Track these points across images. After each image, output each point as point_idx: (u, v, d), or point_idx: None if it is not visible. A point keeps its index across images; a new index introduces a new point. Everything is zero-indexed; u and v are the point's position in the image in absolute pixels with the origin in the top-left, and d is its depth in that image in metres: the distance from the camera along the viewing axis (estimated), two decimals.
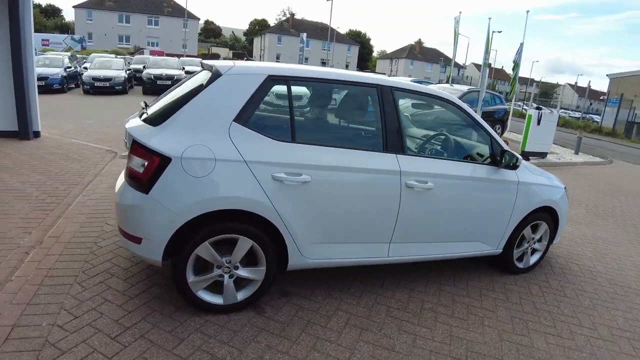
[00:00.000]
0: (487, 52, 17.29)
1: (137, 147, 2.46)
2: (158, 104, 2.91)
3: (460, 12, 17.58)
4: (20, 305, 2.50)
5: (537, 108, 12.19)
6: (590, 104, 60.06)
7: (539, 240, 4.06)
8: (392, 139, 3.02)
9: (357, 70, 55.90)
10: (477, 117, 3.54)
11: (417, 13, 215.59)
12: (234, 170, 2.50)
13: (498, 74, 67.40)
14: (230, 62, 2.77)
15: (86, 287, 2.81)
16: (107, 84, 15.14)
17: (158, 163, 2.38)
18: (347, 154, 2.86)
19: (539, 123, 12.01)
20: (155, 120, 2.57)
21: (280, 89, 2.87)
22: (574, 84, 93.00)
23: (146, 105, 3.02)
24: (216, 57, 49.12)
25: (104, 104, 12.99)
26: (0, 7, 6.61)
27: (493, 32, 17.41)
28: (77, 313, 2.51)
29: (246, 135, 2.57)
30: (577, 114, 42.31)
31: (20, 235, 3.40)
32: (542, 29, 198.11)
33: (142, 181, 2.43)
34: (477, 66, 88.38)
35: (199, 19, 60.59)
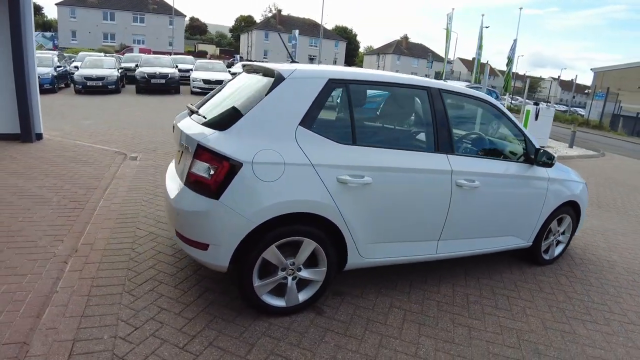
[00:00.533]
0: (480, 47, 17.45)
1: (203, 152, 2.42)
2: (214, 107, 2.87)
3: (453, 9, 17.67)
4: (75, 318, 2.40)
5: (535, 103, 12.36)
6: (574, 97, 61.12)
7: (563, 233, 4.22)
8: (442, 140, 3.10)
9: (344, 66, 55.95)
10: (513, 117, 3.64)
11: (400, 7, 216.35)
12: (302, 174, 2.51)
13: (483, 68, 67.92)
14: (290, 66, 2.78)
15: (137, 295, 2.73)
16: (100, 84, 14.77)
17: (229, 168, 2.35)
18: (404, 155, 2.94)
19: (536, 118, 12.18)
20: (220, 124, 2.52)
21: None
22: (557, 77, 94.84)
23: (196, 108, 2.99)
24: (203, 54, 48.53)
25: (98, 104, 12.69)
26: (0, 8, 6.38)
27: (482, 27, 17.54)
28: (136, 323, 2.43)
29: (311, 138, 2.58)
30: (563, 107, 42.98)
31: (52, 243, 3.28)
32: (523, 23, 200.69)
33: (210, 187, 2.39)
34: (464, 61, 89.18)
35: (185, 16, 59.73)
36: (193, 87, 16.45)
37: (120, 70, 16.46)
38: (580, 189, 4.11)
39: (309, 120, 2.59)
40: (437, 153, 3.07)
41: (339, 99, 3.04)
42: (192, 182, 2.49)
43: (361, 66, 65.41)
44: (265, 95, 2.55)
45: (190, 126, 2.73)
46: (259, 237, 2.46)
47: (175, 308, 2.65)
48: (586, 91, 44.43)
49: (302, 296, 2.74)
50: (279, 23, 65.76)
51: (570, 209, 4.08)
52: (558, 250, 4.21)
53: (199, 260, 2.55)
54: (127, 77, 17.76)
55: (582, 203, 4.14)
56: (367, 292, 3.15)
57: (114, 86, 15.11)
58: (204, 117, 2.74)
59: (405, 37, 78.57)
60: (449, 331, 2.80)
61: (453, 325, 2.87)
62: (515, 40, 16.24)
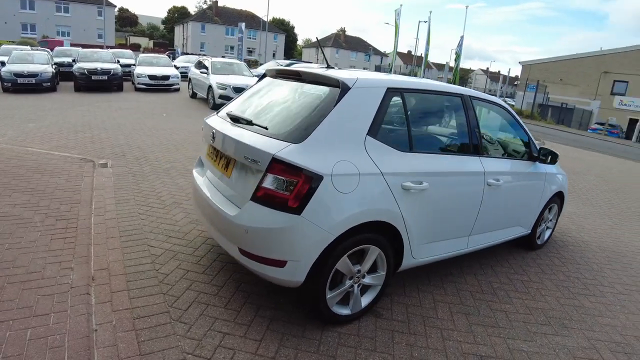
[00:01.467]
0: (428, 42, 18.06)
1: (280, 166, 2.32)
2: (266, 116, 2.78)
3: (401, 5, 18.10)
4: (133, 358, 2.10)
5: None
6: (501, 87, 65.60)
7: (551, 220, 4.72)
8: (475, 143, 3.39)
9: (284, 59, 55.54)
10: (519, 118, 4.03)
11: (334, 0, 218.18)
12: (375, 183, 2.55)
13: (419, 61, 70.56)
14: (350, 74, 2.76)
15: (189, 322, 2.48)
16: (33, 81, 13.20)
17: (311, 182, 2.30)
18: (450, 159, 3.21)
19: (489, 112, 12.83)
20: (293, 136, 2.42)
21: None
22: (485, 69, 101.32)
23: (247, 117, 2.82)
24: (136, 47, 45.57)
25: (35, 103, 11.41)
26: None
27: (430, 24, 18.22)
28: (206, 354, 2.21)
29: (378, 148, 2.62)
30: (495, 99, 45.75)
31: (60, 272, 2.85)
32: (453, 17, 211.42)
33: (290, 202, 2.30)
34: (400, 54, 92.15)
35: (115, 7, 55.60)
36: (138, 83, 15.28)
37: (54, 66, 14.91)
38: (564, 180, 4.65)
39: (375, 130, 2.62)
40: (473, 156, 3.33)
41: (396, 107, 3.03)
42: (264, 197, 2.37)
43: (300, 59, 65.29)
44: (335, 105, 2.51)
45: (249, 136, 2.58)
46: (334, 248, 2.43)
47: (237, 330, 2.48)
48: (516, 83, 47.82)
49: (364, 302, 2.80)
50: (216, 15, 63.54)
51: (557, 198, 4.56)
52: (547, 234, 4.71)
53: (271, 278, 2.46)
54: (60, 74, 16.16)
55: (565, 192, 4.69)
56: (408, 291, 3.28)
57: (49, 84, 13.62)
58: (263, 127, 2.60)
59: (343, 30, 79.50)
60: (491, 317, 3.07)
61: (491, 311, 3.16)
62: (462, 37, 17.03)
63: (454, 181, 3.10)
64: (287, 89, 3.01)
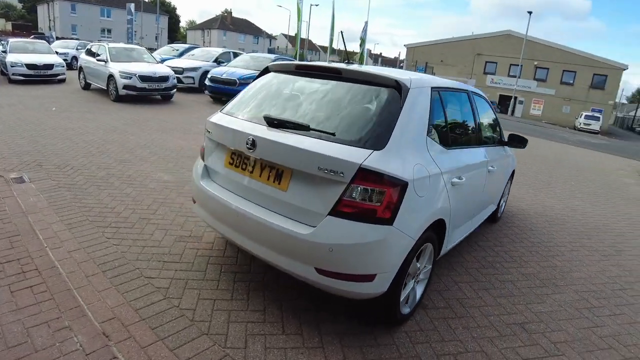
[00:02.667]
0: (332, 28, 18.29)
1: (367, 176, 2.16)
2: (318, 119, 2.56)
3: None
4: None
5: None
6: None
7: (507, 194, 5.40)
8: (479, 135, 3.75)
9: (169, 42, 51.63)
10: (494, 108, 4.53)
11: None
12: (438, 183, 2.64)
13: (309, 45, 71.48)
14: (400, 74, 2.67)
15: (260, 358, 2.10)
16: None
17: (400, 190, 2.24)
18: (473, 152, 3.50)
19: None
20: (371, 142, 2.27)
21: None
22: (370, 51, 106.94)
23: (295, 120, 2.55)
24: None
25: None
26: None
27: (334, 9, 18.45)
28: None
29: (434, 147, 2.70)
30: None
31: (57, 337, 2.17)
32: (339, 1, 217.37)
33: (381, 213, 2.19)
34: (287, 36, 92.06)
35: None
36: (13, 74, 12.75)
37: None
38: (515, 160, 5.29)
39: (429, 129, 2.67)
40: (480, 147, 3.71)
41: (437, 105, 2.97)
42: (348, 210, 2.19)
43: (185, 41, 61.35)
44: (401, 108, 2.43)
45: (318, 145, 2.30)
46: (412, 253, 2.42)
47: (316, 356, 2.34)
48: (401, 65, 51.24)
49: (417, 297, 2.88)
50: None
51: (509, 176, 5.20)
52: (503, 207, 5.30)
53: (355, 294, 2.32)
54: None
55: (515, 170, 5.40)
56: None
57: None
58: (329, 133, 2.37)
59: (229, 12, 76.62)
60: (504, 288, 3.48)
61: (501, 282, 3.57)
62: (366, 23, 17.56)
63: (475, 172, 3.42)
64: (322, 87, 2.78)
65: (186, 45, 18.43)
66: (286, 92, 2.91)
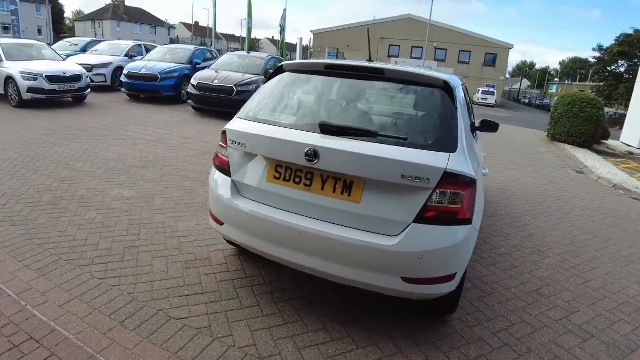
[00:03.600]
0: (249, 16, 17.63)
1: (450, 180, 2.16)
2: (373, 122, 2.57)
3: None
4: None
5: None
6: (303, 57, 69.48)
7: None
8: (474, 123, 3.76)
9: (54, 35, 45.47)
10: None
11: None
12: (481, 176, 2.83)
13: (209, 33, 68.41)
14: (438, 74, 2.64)
15: None
16: None
17: (474, 190, 2.27)
18: (479, 142, 3.66)
19: None
20: (445, 145, 2.25)
21: None
22: (271, 37, 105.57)
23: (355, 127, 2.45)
24: None
25: None
26: None
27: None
28: None
29: (472, 142, 2.72)
30: None
31: None
32: None
33: (462, 214, 2.21)
34: (187, 25, 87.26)
35: None
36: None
37: None
38: None
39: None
40: (475, 135, 3.98)
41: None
42: (434, 215, 2.18)
43: (73, 35, 54.91)
44: (456, 108, 2.44)
45: (396, 152, 2.21)
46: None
47: None
48: (310, 51, 51.39)
49: None
50: None
51: None
52: None
53: (438, 294, 2.33)
54: None
55: None
56: None
57: None
58: (401, 138, 2.31)
59: (122, 1, 70.08)
60: (510, 260, 3.82)
61: (511, 257, 3.89)
62: (285, 10, 17.05)
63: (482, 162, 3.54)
64: (362, 89, 2.77)
65: (87, 39, 16.31)
66: (320, 94, 2.76)
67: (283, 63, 2.97)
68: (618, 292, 3.46)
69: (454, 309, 2.73)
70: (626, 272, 3.91)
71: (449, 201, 2.17)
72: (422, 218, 2.17)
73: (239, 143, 2.57)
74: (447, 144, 2.25)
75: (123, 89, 11.65)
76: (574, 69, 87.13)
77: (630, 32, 23.44)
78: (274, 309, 2.67)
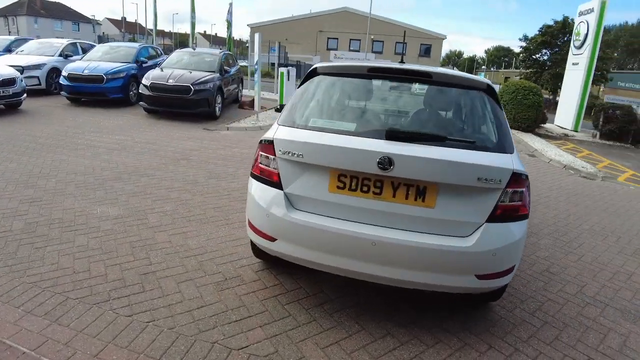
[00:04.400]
0: (192, 9, 16.76)
1: (516, 179, 2.26)
2: (436, 125, 2.63)
3: None
4: None
5: (285, 65, 13.32)
6: (238, 51, 67.63)
7: None
8: None
9: None
10: None
11: None
12: None
13: (135, 28, 64.42)
14: (478, 76, 2.81)
15: None
16: None
17: (528, 187, 2.37)
18: None
19: (289, 79, 13.26)
20: (506, 147, 2.38)
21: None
22: (203, 32, 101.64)
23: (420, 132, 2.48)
24: None
25: None
26: None
27: None
28: None
29: None
30: (243, 62, 47.29)
31: None
32: None
33: (523, 210, 2.34)
34: (113, 21, 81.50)
35: None
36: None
37: None
38: None
39: None
40: None
41: None
42: (503, 213, 2.28)
43: None
44: (500, 109, 2.56)
45: (462, 155, 2.24)
46: None
47: (496, 354, 2.41)
48: (247, 45, 50.02)
49: None
50: None
51: None
52: None
53: (499, 287, 2.45)
54: None
55: None
56: None
57: None
58: (469, 141, 2.36)
59: None
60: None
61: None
62: (231, 4, 16.31)
63: None
64: (410, 92, 2.80)
65: (11, 38, 14.48)
66: (369, 98, 2.72)
67: (317, 66, 2.80)
68: (608, 263, 3.85)
69: (499, 297, 2.81)
70: (606, 244, 4.34)
71: (514, 199, 2.28)
72: (493, 217, 2.26)
73: (295, 153, 2.35)
74: (507, 145, 2.39)
75: (63, 93, 10.49)
76: (498, 56, 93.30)
77: (551, 23, 25.39)
78: (332, 322, 2.53)
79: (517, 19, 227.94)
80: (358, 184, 2.30)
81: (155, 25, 18.19)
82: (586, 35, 13.21)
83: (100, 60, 11.03)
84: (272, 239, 2.46)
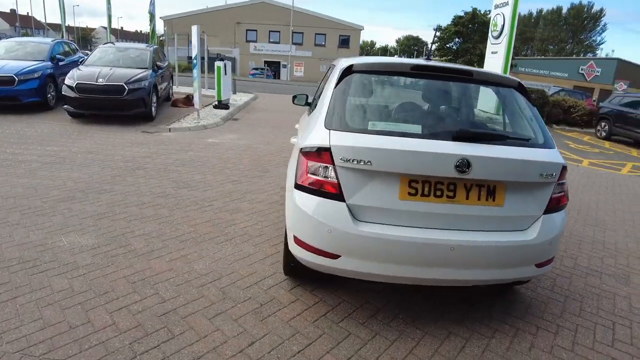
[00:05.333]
0: (108, 1, 15.21)
1: (563, 172, 2.39)
2: (490, 124, 2.78)
3: None
4: None
5: (221, 59, 12.46)
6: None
7: None
8: None
9: None
10: None
11: None
12: None
13: (29, 22, 57.07)
14: (510, 76, 2.78)
15: None
16: None
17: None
18: None
19: (225, 73, 12.48)
20: (549, 142, 2.45)
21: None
22: (106, 26, 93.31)
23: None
24: None
25: None
26: None
27: None
28: None
29: None
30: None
31: None
32: None
33: (564, 199, 2.50)
34: (2, 14, 71.50)
35: None
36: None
37: None
38: None
39: None
40: None
41: None
42: (555, 205, 2.41)
43: None
44: (532, 106, 2.61)
45: (527, 152, 2.31)
46: None
47: (565, 335, 2.45)
48: (161, 38, 46.70)
49: None
50: None
51: None
52: None
53: (540, 275, 2.79)
54: None
55: None
56: None
57: None
58: (525, 139, 2.45)
59: None
60: None
61: None
62: None
63: None
64: (453, 90, 2.78)
65: None
66: (412, 96, 2.71)
67: (352, 63, 2.55)
68: (582, 235, 4.32)
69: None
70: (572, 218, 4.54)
71: (561, 190, 2.44)
72: (548, 209, 2.38)
73: (362, 161, 2.12)
74: (551, 141, 2.47)
75: None
76: (408, 45, 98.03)
77: (461, 14, 27.27)
78: (394, 332, 2.44)
79: (425, 8, 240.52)
80: (430, 188, 2.19)
81: (64, 18, 15.99)
82: (503, 26, 14.19)
83: (6, 59, 9.36)
84: (335, 256, 2.20)
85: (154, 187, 4.72)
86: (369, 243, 2.14)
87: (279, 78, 42.35)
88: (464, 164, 2.11)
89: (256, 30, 43.71)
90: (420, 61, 2.64)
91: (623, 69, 29.30)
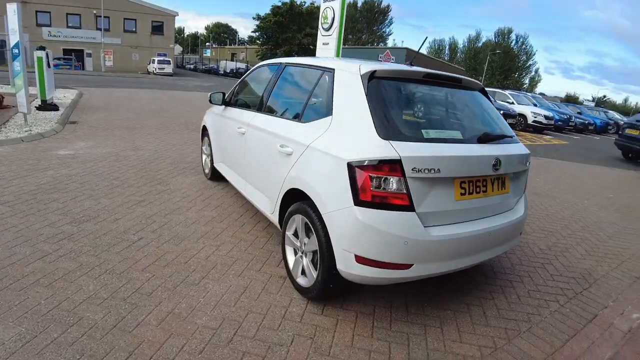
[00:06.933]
0: None
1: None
2: (488, 125, 2.87)
3: None
4: None
5: (41, 47, 9.72)
6: None
7: None
8: None
9: None
10: None
11: None
12: None
13: None
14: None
15: None
16: None
17: None
18: None
19: (49, 65, 9.97)
20: (514, 137, 2.88)
21: None
22: None
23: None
24: None
25: None
26: None
27: None
28: None
29: None
30: None
31: None
32: None
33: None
34: None
35: None
36: None
37: None
38: None
39: None
40: None
41: None
42: (526, 185, 2.96)
43: None
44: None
45: (518, 146, 2.80)
46: None
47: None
48: None
49: None
50: None
51: None
52: None
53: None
54: None
55: None
56: None
57: None
58: (509, 136, 2.84)
59: None
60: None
61: None
62: None
63: None
64: (454, 96, 2.95)
65: None
66: (434, 103, 2.85)
67: (376, 69, 2.43)
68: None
69: None
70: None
71: (527, 174, 2.98)
72: (524, 190, 2.93)
73: (432, 169, 2.18)
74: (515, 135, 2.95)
75: None
76: (218, 32, 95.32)
77: (279, 4, 27.89)
78: (436, 320, 2.62)
79: None
80: (474, 186, 2.44)
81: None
82: (333, 19, 15.23)
83: None
84: (407, 267, 2.16)
85: (41, 228, 3.46)
86: (438, 246, 2.24)
87: (83, 69, 36.00)
88: (497, 163, 2.47)
89: (49, 12, 35.78)
90: (429, 70, 2.69)
91: (410, 55, 35.41)
